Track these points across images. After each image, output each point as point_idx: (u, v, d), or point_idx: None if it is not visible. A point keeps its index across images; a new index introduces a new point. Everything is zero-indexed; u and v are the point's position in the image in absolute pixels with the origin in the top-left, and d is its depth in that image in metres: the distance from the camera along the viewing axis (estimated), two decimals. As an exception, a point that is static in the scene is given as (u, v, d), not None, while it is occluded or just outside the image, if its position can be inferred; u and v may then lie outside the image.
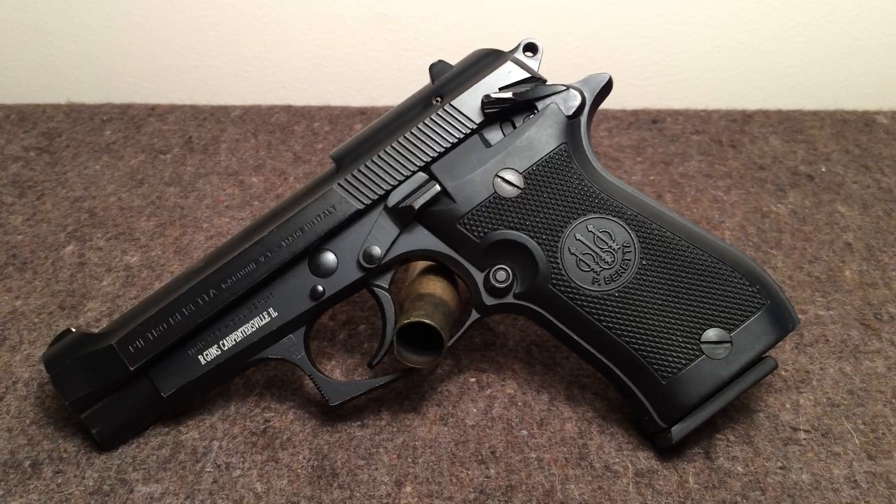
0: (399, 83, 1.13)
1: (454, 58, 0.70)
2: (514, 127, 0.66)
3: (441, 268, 0.69)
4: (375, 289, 0.67)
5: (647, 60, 1.12)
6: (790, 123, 1.06)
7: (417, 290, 0.68)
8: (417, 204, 0.64)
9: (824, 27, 1.09)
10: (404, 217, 0.65)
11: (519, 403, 0.70)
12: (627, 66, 1.12)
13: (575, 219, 0.64)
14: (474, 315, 0.67)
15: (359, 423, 0.68)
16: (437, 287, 0.68)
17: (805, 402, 0.70)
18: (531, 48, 0.68)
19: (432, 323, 0.63)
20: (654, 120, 1.07)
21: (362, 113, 1.10)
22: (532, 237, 0.64)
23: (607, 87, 0.68)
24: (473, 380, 0.72)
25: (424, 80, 0.70)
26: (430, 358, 0.65)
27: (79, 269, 0.84)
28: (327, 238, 0.66)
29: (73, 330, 0.67)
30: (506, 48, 0.68)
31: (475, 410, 0.69)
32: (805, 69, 1.12)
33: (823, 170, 0.98)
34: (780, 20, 1.09)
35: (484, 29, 1.10)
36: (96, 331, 0.67)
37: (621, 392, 0.66)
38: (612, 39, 1.10)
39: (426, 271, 0.70)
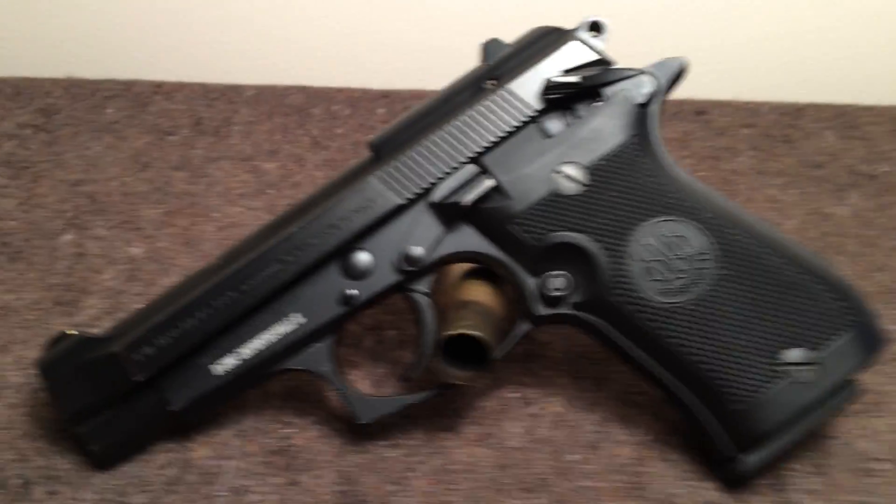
0: (425, 65, 1.05)
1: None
2: (577, 115, 0.58)
3: (485, 270, 0.62)
4: (413, 294, 0.59)
5: (692, 48, 1.04)
6: (845, 118, 0.99)
7: (460, 296, 0.60)
8: (467, 200, 0.57)
9: (881, 17, 1.01)
10: (451, 214, 0.58)
11: (567, 424, 0.63)
12: (670, 53, 1.04)
13: (644, 220, 0.57)
14: (524, 326, 0.59)
15: (389, 442, 0.61)
16: (482, 293, 0.60)
17: (883, 427, 0.63)
18: (596, 27, 0.61)
19: (480, 335, 0.56)
20: (698, 111, 1.00)
21: (385, 96, 1.02)
22: (595, 240, 0.57)
23: (682, 73, 0.61)
24: (515, 395, 0.65)
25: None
26: (475, 373, 0.57)
27: (77, 261, 0.76)
28: (362, 236, 0.58)
29: (73, 333, 0.60)
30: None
31: (518, 431, 0.62)
32: (859, 62, 1.04)
33: (886, 169, 0.91)
34: (831, 9, 1.01)
35: (525, 6, 1.01)
36: (98, 334, 0.60)
37: (686, 415, 0.59)
38: (655, 25, 1.02)
39: (469, 275, 0.62)
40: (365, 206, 0.58)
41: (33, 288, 0.73)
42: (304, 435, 0.61)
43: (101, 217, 0.82)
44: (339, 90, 1.03)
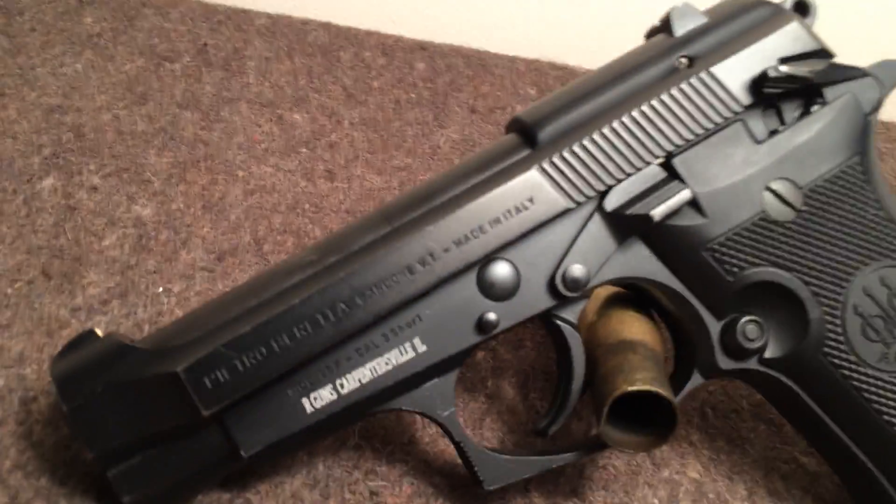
0: (463, 18, 0.89)
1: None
2: (781, 118, 0.46)
3: (632, 296, 0.49)
4: (561, 323, 0.46)
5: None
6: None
7: (618, 332, 0.47)
8: (659, 214, 0.43)
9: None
10: (625, 228, 0.44)
11: (710, 496, 0.51)
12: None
13: (866, 264, 0.45)
14: (696, 379, 0.47)
15: (502, 505, 0.48)
16: (643, 330, 0.47)
17: None
18: (802, 7, 0.48)
19: (669, 397, 0.43)
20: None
21: (423, 48, 0.87)
22: (806, 283, 0.45)
23: (902, 78, 0.49)
24: (643, 454, 0.53)
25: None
26: (654, 441, 0.44)
27: (66, 216, 0.59)
28: (511, 243, 0.44)
29: (99, 333, 0.43)
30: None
31: (656, 502, 0.50)
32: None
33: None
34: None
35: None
36: (140, 341, 0.43)
37: (876, 506, 0.48)
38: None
39: (616, 301, 0.49)
40: (523, 207, 0.44)
41: (10, 249, 0.55)
42: (396, 491, 0.47)
43: (92, 159, 0.64)
44: (369, 33, 0.87)
